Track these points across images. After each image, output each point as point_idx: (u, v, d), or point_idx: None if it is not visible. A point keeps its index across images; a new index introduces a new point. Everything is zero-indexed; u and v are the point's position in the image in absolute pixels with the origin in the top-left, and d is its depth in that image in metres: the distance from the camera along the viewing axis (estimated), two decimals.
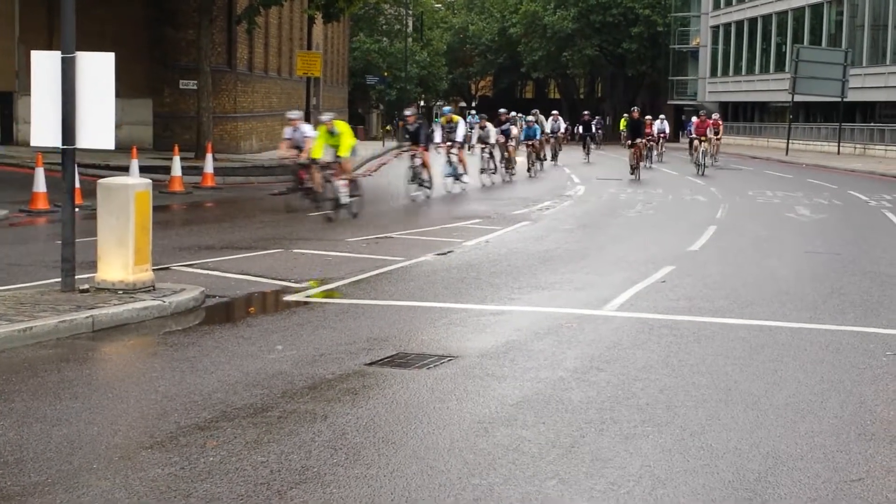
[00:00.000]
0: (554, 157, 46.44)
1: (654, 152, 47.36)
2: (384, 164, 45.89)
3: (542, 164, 41.09)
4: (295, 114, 25.28)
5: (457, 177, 30.25)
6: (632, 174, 36.72)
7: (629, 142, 37.02)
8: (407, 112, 29.95)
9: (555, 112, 49.43)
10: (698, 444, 7.29)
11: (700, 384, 8.93)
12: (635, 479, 6.59)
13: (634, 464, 6.85)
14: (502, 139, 35.38)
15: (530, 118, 40.13)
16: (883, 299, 13.32)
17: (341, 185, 21.74)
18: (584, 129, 52.08)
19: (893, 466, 6.94)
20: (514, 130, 36.21)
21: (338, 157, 21.91)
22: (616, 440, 7.34)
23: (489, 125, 34.84)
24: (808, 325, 11.59)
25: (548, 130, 46.22)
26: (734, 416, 8.01)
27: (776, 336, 11.00)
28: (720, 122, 46.30)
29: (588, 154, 49.96)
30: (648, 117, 48.11)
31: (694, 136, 42.09)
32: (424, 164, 27.23)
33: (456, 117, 31.91)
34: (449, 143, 30.29)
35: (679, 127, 76.92)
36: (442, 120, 32.00)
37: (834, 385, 9.01)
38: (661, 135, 48.95)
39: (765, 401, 8.44)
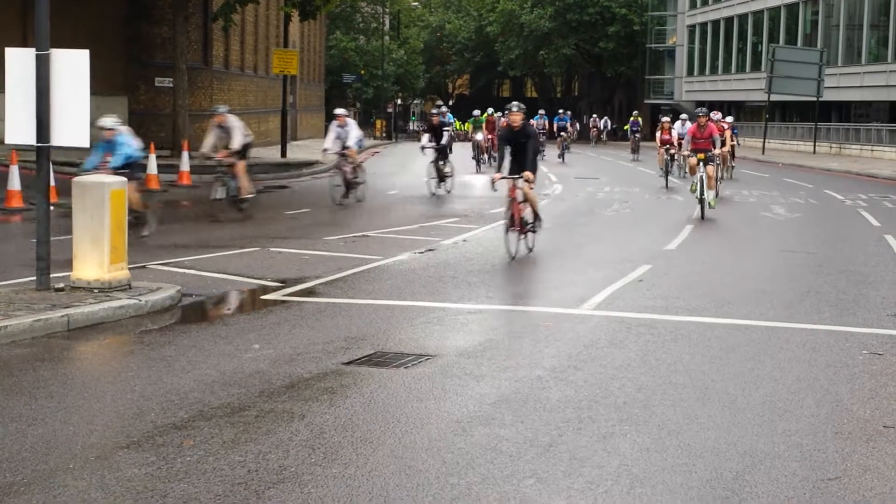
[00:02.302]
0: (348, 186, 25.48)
1: (676, 164, 35.32)
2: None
3: (348, 194, 25.16)
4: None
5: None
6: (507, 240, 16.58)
7: (499, 174, 16.69)
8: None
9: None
10: (676, 442, 7.30)
11: (677, 383, 8.94)
12: (613, 477, 6.59)
13: (612, 463, 6.86)
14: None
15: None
16: (858, 298, 13.37)
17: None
18: (432, 136, 29.66)
19: (870, 465, 6.96)
20: (209, 141, 21.42)
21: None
22: (594, 439, 7.35)
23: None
24: (784, 323, 11.62)
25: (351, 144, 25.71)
26: (711, 414, 8.03)
27: (753, 335, 11.03)
28: (725, 127, 31.62)
29: (438, 185, 28.57)
30: (666, 119, 35.75)
31: (689, 152, 24.70)
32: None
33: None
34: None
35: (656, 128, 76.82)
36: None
37: (810, 384, 9.04)
38: (682, 141, 34.66)
39: (742, 400, 8.46)
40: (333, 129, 25.59)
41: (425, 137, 30.47)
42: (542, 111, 55.27)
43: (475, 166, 39.57)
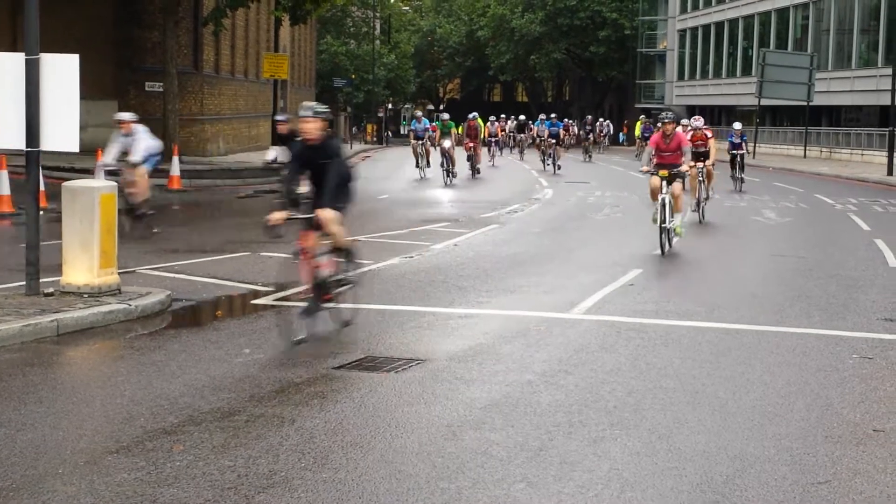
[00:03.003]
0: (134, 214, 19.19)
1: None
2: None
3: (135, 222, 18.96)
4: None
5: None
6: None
7: (282, 213, 10.56)
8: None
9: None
10: (666, 446, 7.30)
11: (668, 387, 8.95)
12: (603, 482, 6.59)
13: (602, 467, 6.86)
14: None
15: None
16: (848, 302, 13.39)
17: None
18: (283, 150, 21.56)
19: (859, 468, 6.97)
20: None
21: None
22: (584, 443, 7.34)
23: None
24: (774, 328, 11.64)
25: (136, 158, 19.15)
26: (702, 418, 8.03)
27: (743, 339, 11.04)
28: (708, 136, 25.19)
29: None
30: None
31: (650, 169, 18.25)
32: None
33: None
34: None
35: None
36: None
37: (800, 388, 9.05)
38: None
39: (732, 404, 8.47)
40: (117, 138, 19.18)
41: (272, 152, 22.88)
42: (543, 116, 47.56)
43: (443, 177, 34.70)
